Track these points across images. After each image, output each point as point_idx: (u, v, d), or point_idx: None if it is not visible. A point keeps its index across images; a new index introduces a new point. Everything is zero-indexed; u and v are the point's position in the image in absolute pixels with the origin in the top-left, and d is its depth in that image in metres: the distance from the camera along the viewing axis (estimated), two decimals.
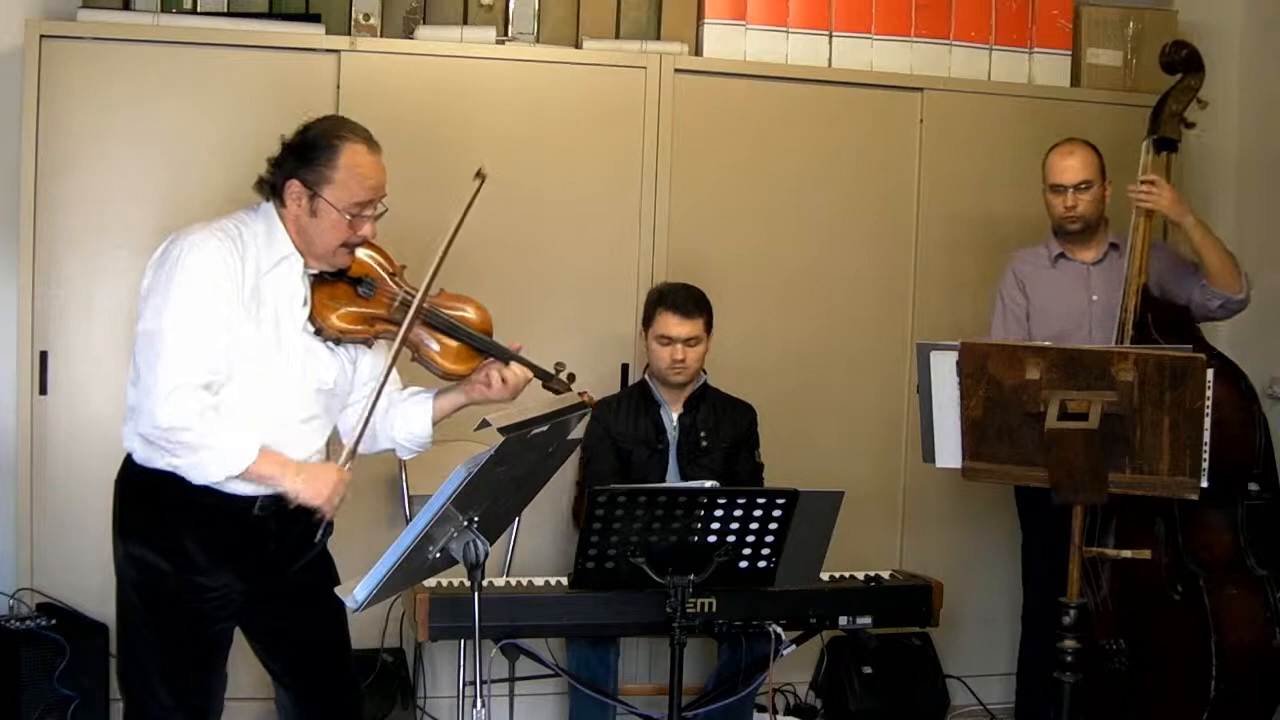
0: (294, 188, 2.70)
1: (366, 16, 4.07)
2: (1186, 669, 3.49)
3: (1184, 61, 3.77)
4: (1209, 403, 2.95)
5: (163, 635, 2.76)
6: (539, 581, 3.49)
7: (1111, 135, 4.17)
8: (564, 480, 3.94)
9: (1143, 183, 3.67)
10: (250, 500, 2.73)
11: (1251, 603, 3.49)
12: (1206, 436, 2.95)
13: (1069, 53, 4.55)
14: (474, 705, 2.71)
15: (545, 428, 2.63)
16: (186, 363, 2.59)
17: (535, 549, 4.12)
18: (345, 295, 2.82)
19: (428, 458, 3.99)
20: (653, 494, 3.02)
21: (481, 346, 2.93)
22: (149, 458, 2.70)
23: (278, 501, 2.74)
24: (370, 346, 2.89)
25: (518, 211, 4.14)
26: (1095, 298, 3.78)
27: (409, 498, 4.03)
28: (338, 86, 3.98)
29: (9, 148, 3.85)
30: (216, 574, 2.74)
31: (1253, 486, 3.55)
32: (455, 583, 3.35)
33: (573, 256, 4.19)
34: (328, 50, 3.98)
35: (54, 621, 3.69)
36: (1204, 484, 2.98)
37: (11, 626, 3.64)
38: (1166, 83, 3.73)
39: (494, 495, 2.63)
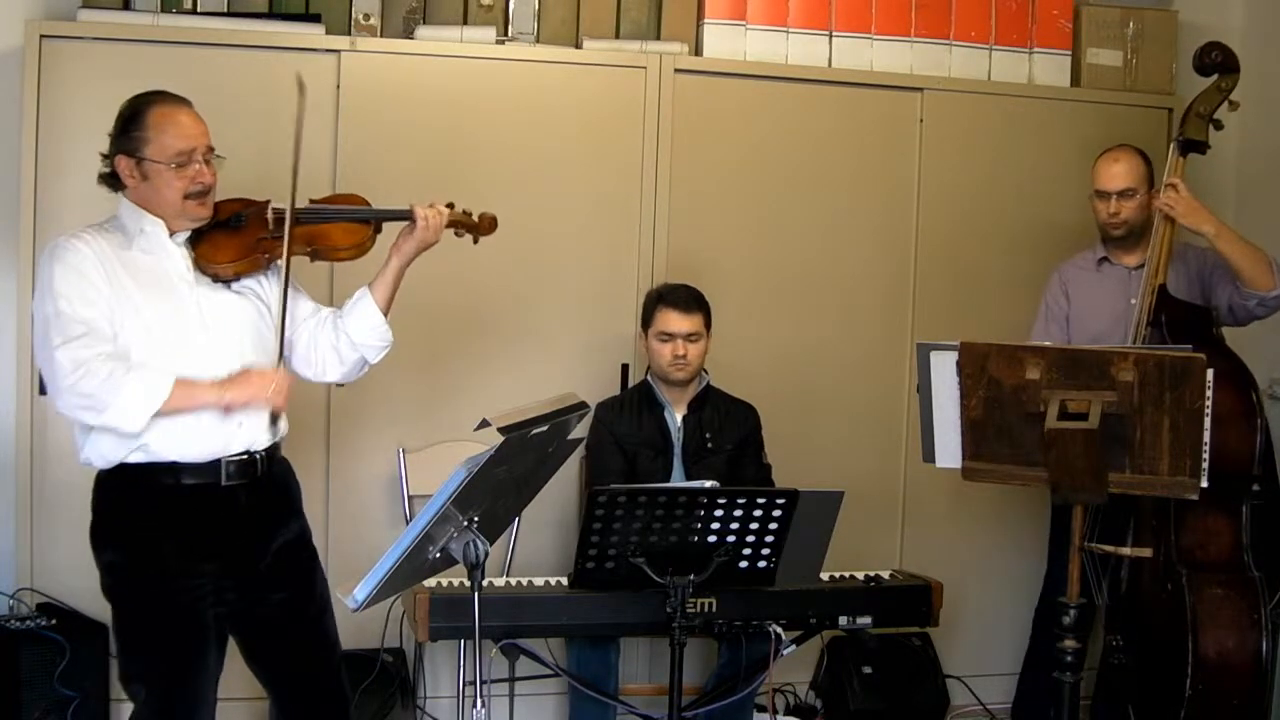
0: (122, 163, 2.84)
1: (366, 16, 4.07)
2: (1168, 666, 3.49)
3: (1217, 64, 3.76)
4: (1209, 403, 2.95)
5: (146, 636, 2.82)
6: (539, 581, 3.49)
7: (1111, 136, 4.17)
8: (564, 481, 3.94)
9: (1166, 186, 3.69)
10: (215, 469, 2.80)
11: (1237, 605, 3.48)
12: (1207, 436, 2.95)
13: (1069, 53, 4.55)
14: (474, 705, 2.71)
15: (545, 428, 2.63)
16: (76, 330, 2.70)
17: (535, 549, 4.13)
18: (221, 236, 2.93)
19: (428, 458, 4.01)
20: (653, 494, 3.03)
21: (364, 216, 3.06)
22: (106, 455, 2.79)
23: (244, 468, 2.83)
24: (268, 271, 2.98)
25: (518, 211, 4.12)
26: (1134, 302, 3.79)
27: (409, 498, 4.03)
28: (338, 86, 3.98)
29: (9, 148, 3.85)
30: (192, 564, 2.80)
31: (1254, 487, 3.56)
32: (455, 583, 3.35)
33: (573, 256, 4.19)
34: (328, 50, 3.98)
35: (54, 621, 3.69)
36: (1204, 484, 2.98)
37: (11, 626, 3.64)
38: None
39: (494, 495, 2.63)
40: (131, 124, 2.83)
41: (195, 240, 2.90)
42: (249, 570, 2.89)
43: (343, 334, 3.04)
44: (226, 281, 2.91)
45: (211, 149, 2.87)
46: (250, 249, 2.93)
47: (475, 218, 3.18)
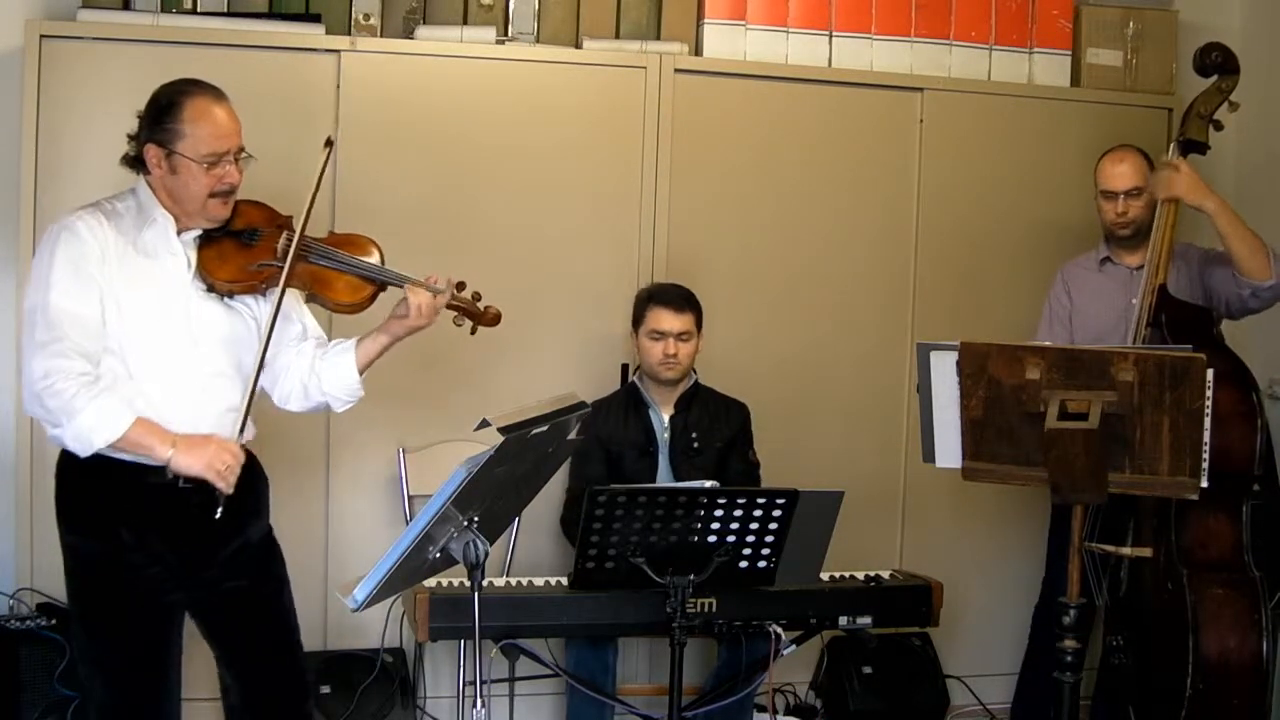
0: (151, 151, 2.80)
1: (366, 16, 4.07)
2: (1170, 666, 3.50)
3: (1217, 65, 3.77)
4: (1209, 403, 2.95)
5: (101, 624, 2.82)
6: (539, 581, 3.49)
7: (1111, 136, 4.17)
8: (564, 481, 3.93)
9: (1165, 165, 3.69)
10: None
11: (1237, 604, 3.48)
12: (1207, 437, 2.95)
13: (1069, 53, 4.55)
14: (474, 705, 2.71)
15: (545, 428, 2.63)
16: (60, 332, 2.69)
17: (535, 549, 4.12)
18: (230, 247, 2.89)
19: (428, 458, 4.02)
20: (652, 494, 3.03)
21: (368, 274, 2.97)
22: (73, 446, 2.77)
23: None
24: (264, 295, 2.93)
25: (517, 211, 4.14)
26: (1134, 301, 3.78)
27: (409, 498, 4.03)
28: (338, 86, 3.98)
29: (9, 148, 3.85)
30: (149, 551, 2.79)
31: (1254, 487, 3.56)
32: (455, 583, 3.35)
33: (572, 256, 4.19)
34: (328, 50, 3.98)
35: (54, 621, 3.69)
36: (1204, 484, 2.98)
37: (11, 626, 3.64)
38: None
39: (494, 495, 2.63)
40: (166, 114, 2.78)
41: (204, 241, 2.87)
42: (206, 566, 2.88)
43: (315, 375, 3.00)
44: (221, 295, 2.88)
45: (242, 149, 2.84)
46: (251, 273, 2.88)
47: (482, 307, 3.06)
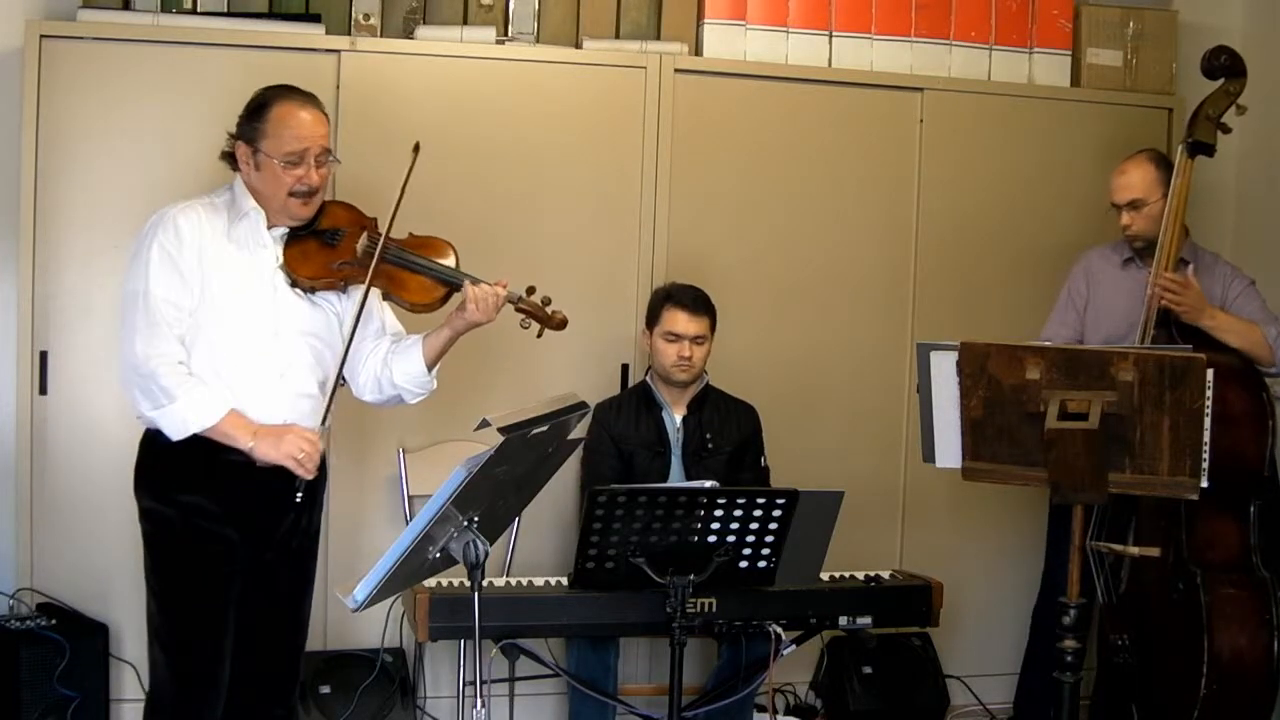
0: (241, 149, 3.01)
1: (366, 16, 4.07)
2: (1181, 666, 3.50)
3: (1224, 67, 3.77)
4: (1209, 402, 2.95)
5: (170, 592, 2.96)
6: (539, 581, 3.49)
7: (1111, 136, 4.18)
8: (564, 480, 3.94)
9: (1172, 280, 3.63)
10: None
11: (1248, 604, 3.49)
12: (1206, 437, 2.95)
13: (1069, 53, 4.55)
14: (474, 705, 2.71)
15: (545, 428, 2.63)
16: (159, 317, 2.89)
17: (535, 549, 4.12)
18: (313, 246, 3.05)
19: (428, 458, 4.02)
20: (653, 494, 3.03)
21: (441, 276, 3.11)
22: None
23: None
24: (345, 292, 3.08)
25: (517, 211, 4.14)
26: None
27: (409, 498, 4.03)
28: (338, 86, 3.98)
29: (9, 148, 3.85)
30: (218, 525, 2.92)
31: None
32: (455, 583, 3.35)
33: (572, 257, 4.19)
34: (328, 50, 3.98)
35: (54, 621, 3.69)
36: (1204, 484, 2.98)
37: (11, 626, 3.64)
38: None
39: (494, 495, 2.63)
40: (255, 114, 2.98)
41: (290, 238, 3.03)
42: (264, 547, 3.00)
43: (387, 368, 3.14)
44: (304, 290, 3.03)
45: (327, 150, 3.00)
46: (331, 271, 3.03)
47: (550, 311, 3.19)
